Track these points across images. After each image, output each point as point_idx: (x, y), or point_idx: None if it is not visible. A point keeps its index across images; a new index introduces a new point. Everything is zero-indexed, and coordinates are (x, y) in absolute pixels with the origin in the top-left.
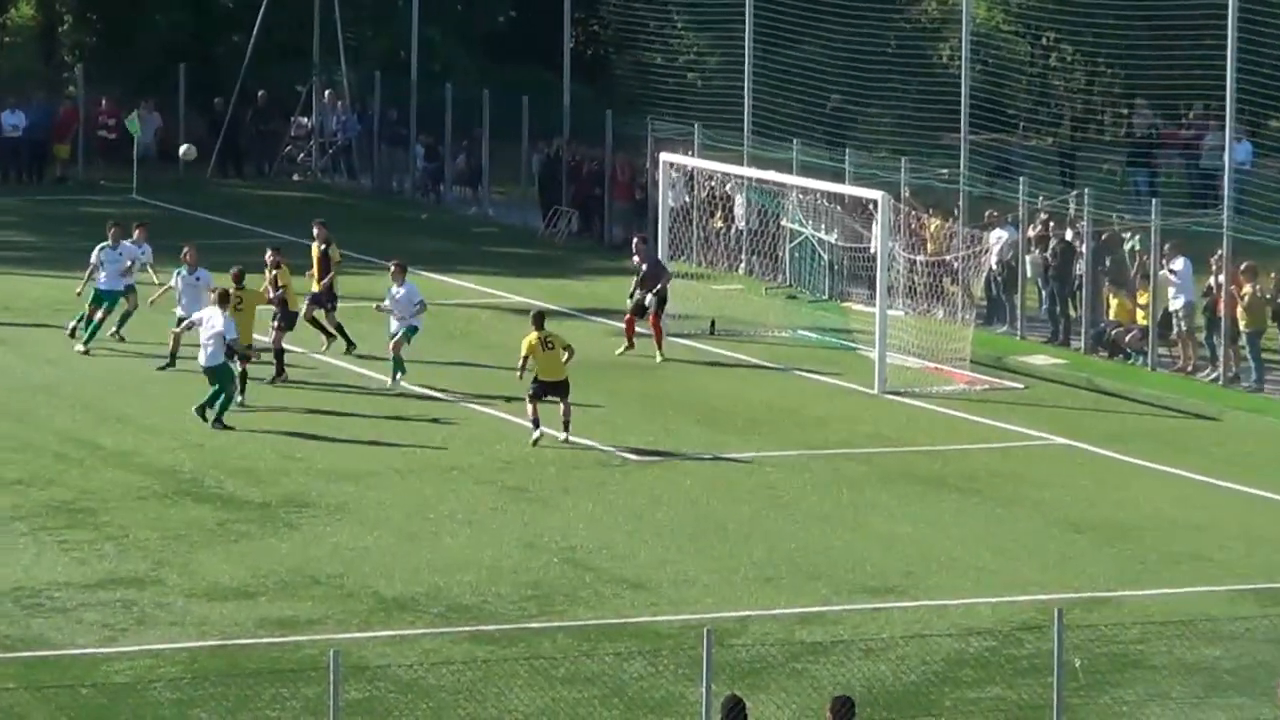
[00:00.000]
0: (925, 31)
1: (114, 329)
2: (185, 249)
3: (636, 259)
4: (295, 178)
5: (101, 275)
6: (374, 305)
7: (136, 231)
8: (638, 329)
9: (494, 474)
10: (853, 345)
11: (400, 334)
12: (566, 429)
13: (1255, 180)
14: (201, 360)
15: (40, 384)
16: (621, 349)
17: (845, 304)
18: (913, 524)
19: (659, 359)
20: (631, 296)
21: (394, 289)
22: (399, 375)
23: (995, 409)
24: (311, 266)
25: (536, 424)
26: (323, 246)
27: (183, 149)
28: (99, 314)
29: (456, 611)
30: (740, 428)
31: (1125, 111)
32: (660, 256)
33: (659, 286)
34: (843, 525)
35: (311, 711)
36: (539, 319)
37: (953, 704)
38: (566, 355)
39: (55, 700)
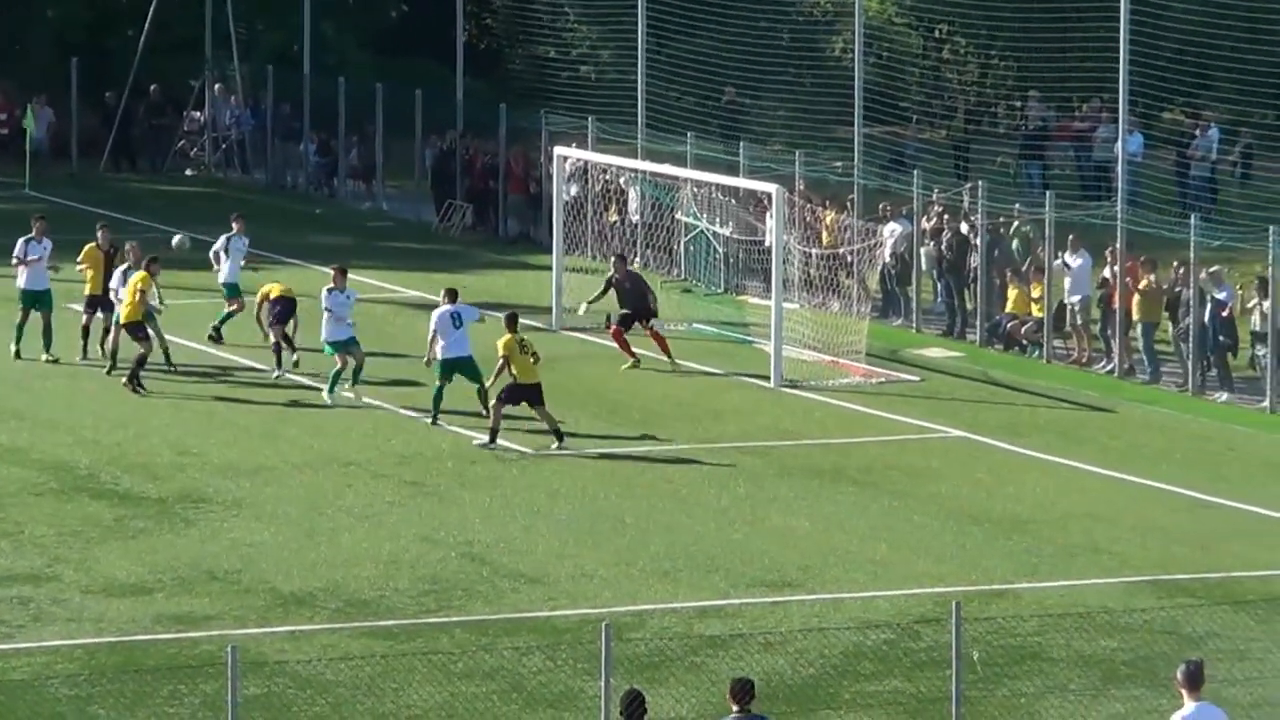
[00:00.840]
0: (818, 25)
1: (213, 324)
2: (129, 246)
3: (617, 277)
4: (189, 172)
5: (23, 274)
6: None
7: (235, 225)
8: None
9: (391, 468)
10: (749, 338)
11: (334, 347)
12: (560, 438)
13: (1147, 172)
14: (456, 353)
15: None
16: (628, 364)
17: (740, 297)
18: (810, 518)
19: (671, 365)
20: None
21: (335, 293)
22: (333, 390)
23: (891, 402)
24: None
25: (495, 435)
26: (109, 249)
27: (175, 240)
28: (28, 317)
29: (354, 606)
30: (637, 422)
31: (1018, 104)
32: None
33: (648, 304)
34: (740, 519)
35: (209, 707)
36: (512, 320)
37: (852, 697)
38: (535, 359)
39: None
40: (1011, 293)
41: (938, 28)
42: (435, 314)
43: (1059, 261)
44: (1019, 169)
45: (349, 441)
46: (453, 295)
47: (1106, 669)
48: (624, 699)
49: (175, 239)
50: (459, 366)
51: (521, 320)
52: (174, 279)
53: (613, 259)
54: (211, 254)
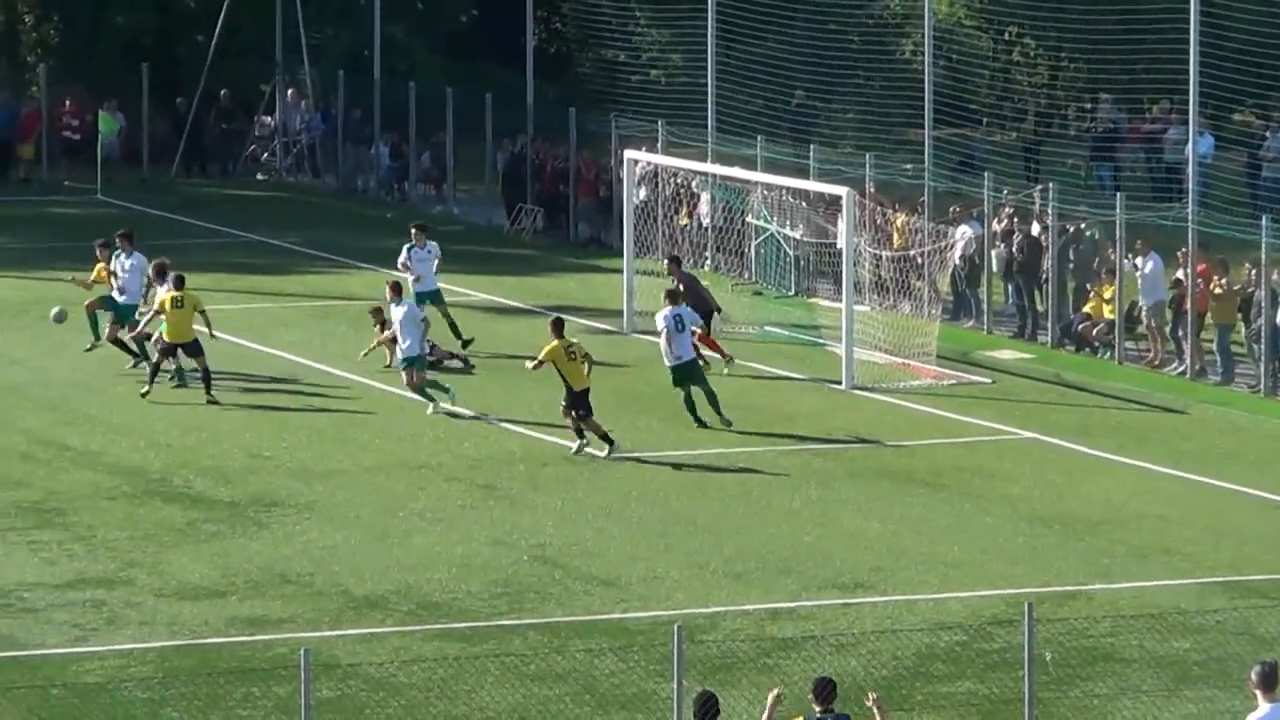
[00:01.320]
0: (888, 27)
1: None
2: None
3: (674, 280)
4: (260, 177)
5: (116, 289)
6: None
7: (414, 234)
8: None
9: (463, 472)
10: (820, 341)
11: (405, 365)
12: (584, 447)
13: (1217, 173)
14: (682, 356)
15: (6, 384)
16: (725, 367)
17: (811, 300)
18: (881, 519)
19: (725, 369)
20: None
21: (393, 309)
22: (435, 402)
23: (963, 404)
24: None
25: (608, 439)
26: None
27: (54, 311)
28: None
29: (427, 609)
30: (708, 424)
31: (1088, 106)
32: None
33: (709, 304)
34: (812, 521)
35: (283, 710)
36: (558, 326)
37: (924, 698)
38: (587, 366)
39: (26, 701)
40: (1092, 294)
41: (1007, 30)
42: (659, 317)
43: (1128, 265)
44: (1090, 171)
45: (421, 445)
46: (674, 297)
47: (1179, 670)
48: (697, 701)
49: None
50: (686, 371)
51: (595, 324)
52: (240, 283)
53: (666, 263)
54: (400, 264)
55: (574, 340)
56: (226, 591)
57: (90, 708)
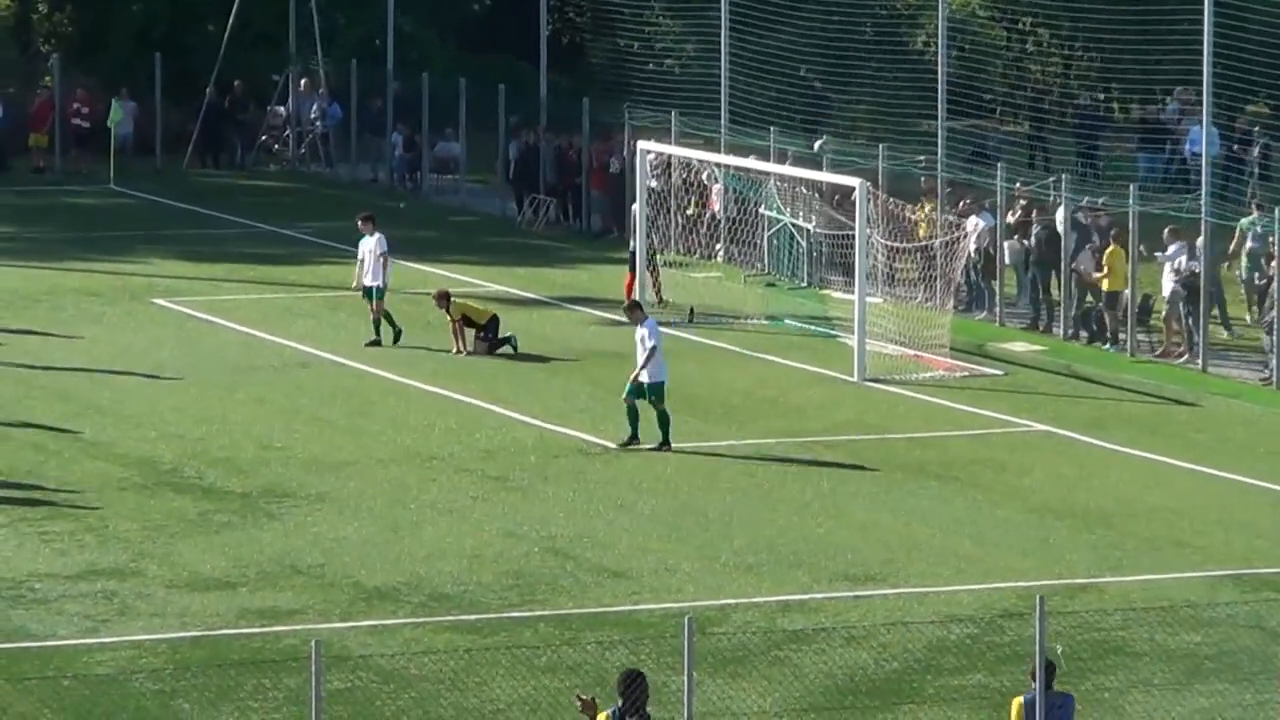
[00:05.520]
0: (901, 18)
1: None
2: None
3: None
4: (272, 167)
5: None
6: None
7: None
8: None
9: (474, 463)
10: (832, 333)
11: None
12: None
13: (1232, 166)
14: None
15: (18, 375)
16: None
17: (824, 291)
18: (893, 512)
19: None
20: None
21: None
22: None
23: (975, 396)
24: None
25: None
26: None
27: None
28: None
29: (438, 601)
30: (720, 416)
31: (1101, 97)
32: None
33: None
34: (823, 513)
35: (294, 701)
36: None
37: (935, 691)
38: None
39: (37, 692)
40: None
41: (1021, 20)
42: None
43: (1152, 252)
44: (1109, 162)
45: (432, 436)
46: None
47: (1190, 663)
48: (622, 678)
49: None
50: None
51: (607, 316)
52: (253, 273)
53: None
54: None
55: None
56: (237, 583)
57: (101, 699)
